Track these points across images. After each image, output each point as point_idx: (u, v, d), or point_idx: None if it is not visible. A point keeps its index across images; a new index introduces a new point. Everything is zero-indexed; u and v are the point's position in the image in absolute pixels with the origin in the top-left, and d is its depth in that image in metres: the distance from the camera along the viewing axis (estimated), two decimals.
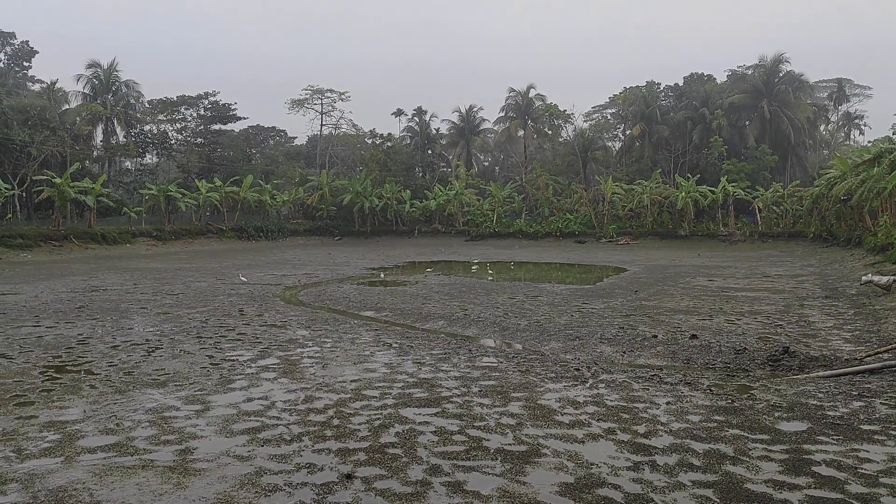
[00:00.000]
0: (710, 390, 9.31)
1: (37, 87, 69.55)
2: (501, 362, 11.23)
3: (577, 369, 10.63)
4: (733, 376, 10.23)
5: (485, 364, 11.08)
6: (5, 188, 43.39)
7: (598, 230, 59.98)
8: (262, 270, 31.57)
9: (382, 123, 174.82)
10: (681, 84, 74.37)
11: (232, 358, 11.57)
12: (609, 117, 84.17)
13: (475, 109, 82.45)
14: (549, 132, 76.04)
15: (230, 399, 8.88)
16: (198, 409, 8.35)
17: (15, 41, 74.70)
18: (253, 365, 10.98)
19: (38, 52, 76.83)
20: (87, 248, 44.14)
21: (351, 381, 9.85)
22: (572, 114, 74.25)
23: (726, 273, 29.43)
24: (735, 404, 8.56)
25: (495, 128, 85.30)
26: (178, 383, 9.70)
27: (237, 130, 77.64)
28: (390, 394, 9.15)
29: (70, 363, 11.12)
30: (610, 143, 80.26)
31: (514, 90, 76.65)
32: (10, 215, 48.11)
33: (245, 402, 8.74)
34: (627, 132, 75.07)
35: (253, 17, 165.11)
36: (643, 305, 18.55)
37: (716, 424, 7.71)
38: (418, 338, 13.68)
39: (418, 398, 8.92)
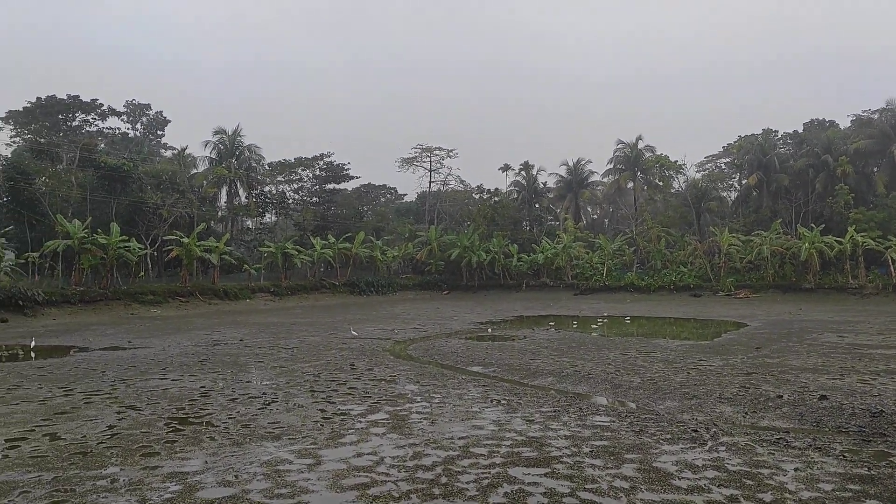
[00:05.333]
0: (844, 456, 8.61)
1: (168, 153, 75.12)
2: (614, 421, 10.85)
3: (696, 430, 10.11)
4: (869, 441, 9.43)
5: (596, 423, 10.74)
6: (139, 248, 46.56)
7: (713, 283, 57.69)
8: (373, 325, 32.16)
9: (489, 178, 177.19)
10: (800, 131, 71.39)
11: (343, 412, 11.75)
12: (723, 166, 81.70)
13: (583, 162, 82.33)
14: (660, 183, 74.54)
15: (341, 454, 8.98)
16: (310, 464, 8.49)
17: (150, 112, 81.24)
18: (363, 419, 11.10)
19: (170, 121, 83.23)
20: (210, 304, 46.49)
21: (459, 438, 9.76)
22: (684, 164, 72.66)
23: (858, 328, 27.49)
24: (872, 472, 7.87)
25: (604, 180, 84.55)
26: (291, 437, 9.92)
27: (350, 189, 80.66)
28: (499, 452, 8.99)
29: (192, 415, 11.61)
30: (725, 194, 77.68)
31: (622, 142, 76.03)
32: (142, 273, 51.48)
33: (355, 456, 8.82)
34: (743, 182, 72.51)
35: (365, 91, 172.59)
36: (766, 363, 17.54)
37: (851, 494, 7.10)
38: (527, 394, 13.46)
39: (527, 457, 8.72)
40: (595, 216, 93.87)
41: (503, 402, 12.65)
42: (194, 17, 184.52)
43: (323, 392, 13.80)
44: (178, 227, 55.08)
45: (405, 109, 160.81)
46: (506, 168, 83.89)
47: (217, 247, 50.28)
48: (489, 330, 29.30)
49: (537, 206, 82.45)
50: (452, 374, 16.30)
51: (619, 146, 76.55)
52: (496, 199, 77.53)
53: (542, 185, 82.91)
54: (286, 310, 45.98)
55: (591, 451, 8.96)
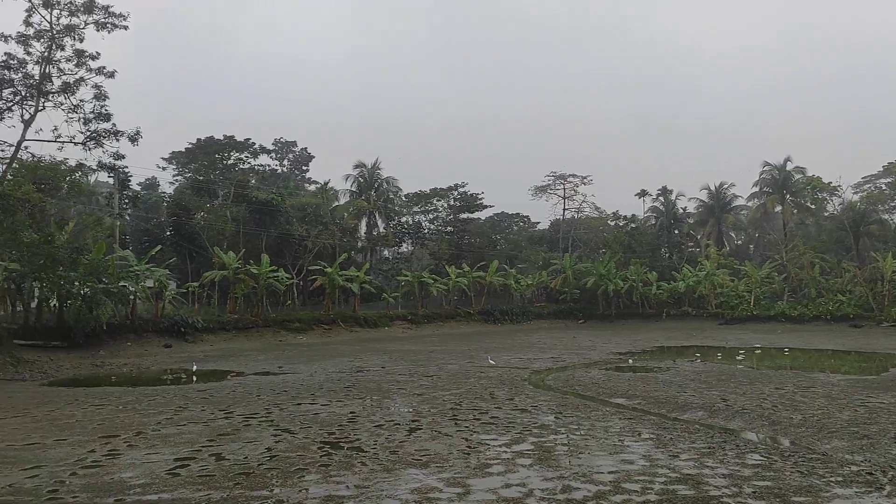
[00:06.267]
0: None
1: (312, 186, 78.97)
2: (776, 461, 10.17)
3: (871, 473, 9.30)
4: None
5: (756, 461, 10.11)
6: (287, 277, 49.04)
7: (876, 313, 53.15)
8: (509, 353, 32.06)
9: (625, 204, 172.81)
10: None
11: (487, 441, 11.74)
12: (884, 187, 75.65)
13: (725, 186, 78.84)
14: (813, 206, 70.01)
15: (489, 484, 8.96)
16: (459, 492, 8.52)
17: (296, 148, 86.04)
18: (508, 449, 11.03)
19: (314, 157, 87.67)
20: (351, 331, 48.09)
21: (608, 472, 9.49)
22: (839, 185, 67.87)
23: None
24: None
25: (748, 203, 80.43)
26: (438, 465, 10.01)
27: (483, 218, 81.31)
28: (652, 489, 8.65)
29: (343, 440, 11.99)
30: (886, 216, 71.74)
31: (768, 163, 72.16)
32: (289, 301, 54.13)
33: (503, 487, 8.77)
34: None
35: (490, 116, 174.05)
36: None
37: None
38: (676, 429, 12.90)
39: (685, 496, 8.33)
40: (739, 242, 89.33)
41: (651, 436, 12.20)
42: (321, 57, 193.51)
43: (466, 421, 13.86)
44: (322, 257, 57.57)
45: (535, 135, 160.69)
46: (643, 194, 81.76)
47: (358, 276, 52.07)
48: (630, 361, 28.46)
49: (676, 232, 79.61)
50: (595, 406, 15.92)
51: (765, 168, 72.71)
52: (633, 225, 75.60)
53: (681, 211, 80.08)
54: (423, 337, 46.77)
55: (755, 492, 8.43)
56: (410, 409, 15.47)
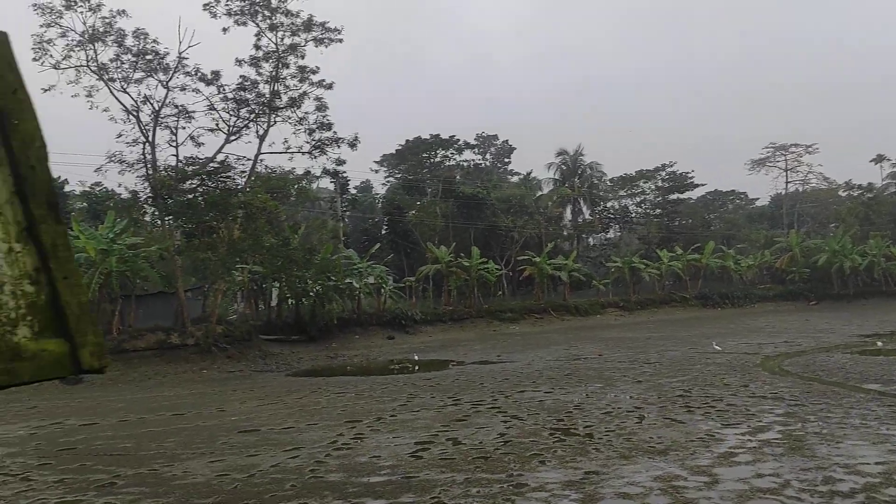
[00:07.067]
0: None
1: (515, 178, 79.63)
2: None
3: None
4: None
5: None
6: (496, 268, 49.92)
7: None
8: (734, 338, 30.19)
9: (858, 173, 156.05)
10: None
11: (726, 430, 11.08)
12: None
13: None
14: None
15: (737, 473, 8.44)
16: (706, 481, 8.11)
17: (497, 142, 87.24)
18: (753, 439, 10.32)
19: (515, 149, 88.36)
20: (562, 320, 47.90)
21: (875, 463, 8.56)
22: None
23: None
24: None
25: None
26: (677, 452, 9.61)
27: (694, 198, 77.37)
28: None
29: (572, 427, 11.92)
30: None
31: None
32: (500, 292, 55.08)
33: (755, 477, 8.21)
34: None
35: (692, 95, 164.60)
36: None
37: None
38: None
39: None
40: None
41: None
42: (508, 56, 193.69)
43: (699, 408, 13.20)
44: (528, 247, 57.91)
45: (746, 107, 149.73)
46: (879, 159, 73.38)
47: (566, 264, 51.77)
48: (878, 343, 25.58)
49: None
50: (845, 393, 14.47)
51: None
52: (869, 195, 68.05)
53: None
54: (637, 324, 45.44)
55: None
56: (636, 397, 15.04)
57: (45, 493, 8.74)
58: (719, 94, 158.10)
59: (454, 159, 64.44)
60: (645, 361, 22.38)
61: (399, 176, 68.76)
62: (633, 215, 72.56)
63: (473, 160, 74.91)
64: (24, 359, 1.17)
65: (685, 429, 11.26)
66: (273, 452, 10.81)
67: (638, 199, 73.25)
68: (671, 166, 70.66)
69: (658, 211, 71.88)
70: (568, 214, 69.44)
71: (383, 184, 75.48)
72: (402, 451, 10.41)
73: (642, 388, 16.44)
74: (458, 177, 65.15)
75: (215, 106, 31.90)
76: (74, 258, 1.32)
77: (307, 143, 33.60)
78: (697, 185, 72.97)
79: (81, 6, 29.55)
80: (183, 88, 31.39)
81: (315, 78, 32.88)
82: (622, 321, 48.89)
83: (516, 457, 9.70)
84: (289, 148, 33.37)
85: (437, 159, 62.57)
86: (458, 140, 63.32)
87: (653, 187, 71.90)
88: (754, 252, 65.73)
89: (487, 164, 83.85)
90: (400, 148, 64.86)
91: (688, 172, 70.87)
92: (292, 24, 31.81)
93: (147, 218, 34.81)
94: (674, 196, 72.00)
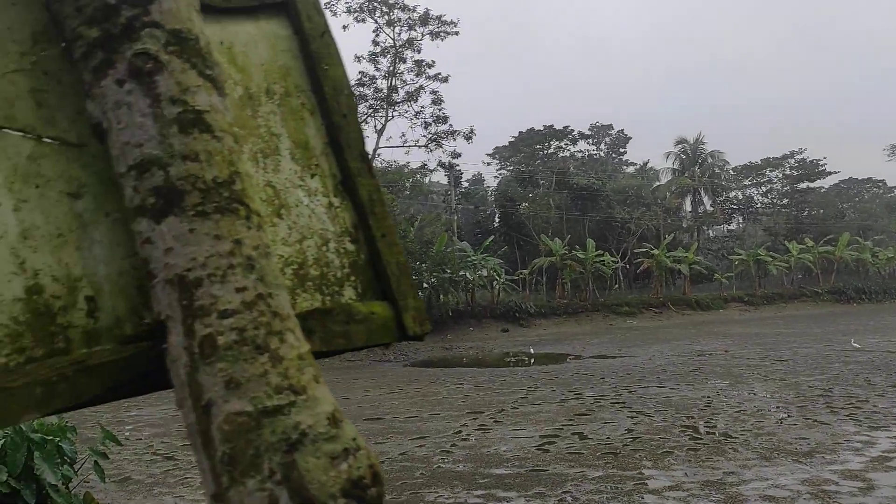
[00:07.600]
0: None
1: (630, 168, 77.57)
2: None
3: None
4: None
5: None
6: (612, 261, 48.81)
7: None
8: (875, 336, 28.13)
9: None
10: None
11: (876, 433, 10.27)
12: None
13: None
14: None
15: (895, 479, 7.78)
16: (860, 486, 7.54)
17: (612, 132, 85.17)
18: None
19: (630, 138, 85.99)
20: (683, 314, 46.26)
21: None
22: None
23: None
24: None
25: None
26: (824, 455, 8.99)
27: (826, 186, 72.80)
28: None
29: (704, 424, 11.40)
30: None
31: None
32: (616, 286, 53.83)
33: None
34: None
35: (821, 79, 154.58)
36: None
37: None
38: None
39: None
40: None
41: None
42: (620, 39, 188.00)
43: (843, 409, 12.33)
44: (646, 239, 56.27)
45: (880, 91, 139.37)
46: None
47: (686, 256, 49.92)
48: None
49: None
50: None
51: None
52: None
53: None
54: (763, 320, 43.20)
55: None
56: (771, 395, 14.23)
57: (190, 473, 9.18)
58: (858, 72, 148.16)
59: (568, 150, 63.51)
60: (777, 358, 21.20)
61: (511, 168, 68.45)
62: (758, 205, 69.12)
63: (588, 151, 73.62)
64: (358, 321, 1.12)
65: (830, 430, 10.53)
66: (399, 441, 10.94)
67: (763, 189, 69.77)
68: (801, 153, 66.84)
69: (785, 201, 68.23)
70: (687, 205, 67.04)
71: (495, 176, 75.40)
72: (527, 443, 10.27)
73: (776, 386, 15.54)
74: (571, 168, 64.17)
75: None
76: (390, 215, 1.25)
77: (423, 136, 34.06)
78: (830, 173, 68.61)
79: None
80: None
81: (431, 72, 33.25)
82: (747, 316, 46.68)
83: (647, 454, 9.36)
84: (406, 142, 33.90)
85: (551, 150, 61.83)
86: (573, 131, 62.36)
87: (780, 175, 68.25)
88: (894, 244, 61.12)
89: (602, 154, 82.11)
90: (513, 140, 64.59)
91: (819, 159, 66.80)
92: (409, 18, 32.27)
93: None
94: (803, 185, 68.07)
